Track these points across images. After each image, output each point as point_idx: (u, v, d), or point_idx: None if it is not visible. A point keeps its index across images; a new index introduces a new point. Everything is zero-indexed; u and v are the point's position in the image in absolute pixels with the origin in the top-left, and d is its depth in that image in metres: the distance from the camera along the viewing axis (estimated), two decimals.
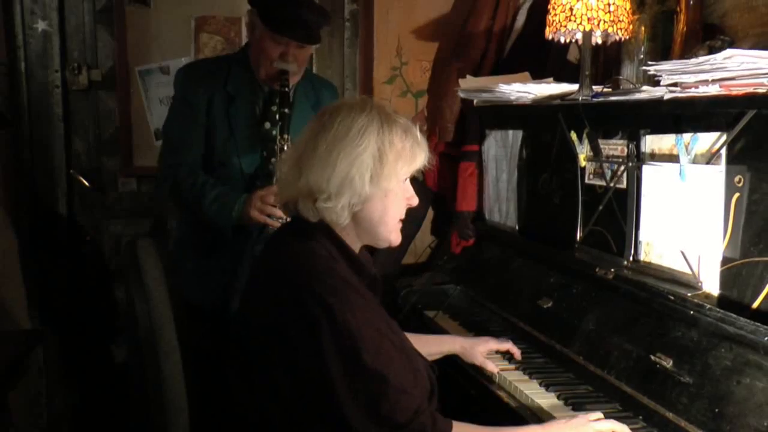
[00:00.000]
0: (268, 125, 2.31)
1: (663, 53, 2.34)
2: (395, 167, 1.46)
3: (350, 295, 1.39)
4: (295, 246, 1.47)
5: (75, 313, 3.12)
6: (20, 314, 2.59)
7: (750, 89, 1.49)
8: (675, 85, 1.71)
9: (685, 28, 2.23)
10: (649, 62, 1.77)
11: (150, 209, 3.19)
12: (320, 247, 1.46)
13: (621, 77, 2.33)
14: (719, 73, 1.53)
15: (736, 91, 1.52)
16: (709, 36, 2.21)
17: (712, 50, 2.05)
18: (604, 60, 2.58)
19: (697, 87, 1.62)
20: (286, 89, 2.26)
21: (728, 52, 1.50)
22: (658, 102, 1.74)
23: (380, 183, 1.45)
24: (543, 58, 2.81)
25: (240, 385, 1.48)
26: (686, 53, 2.18)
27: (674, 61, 1.69)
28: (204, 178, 2.27)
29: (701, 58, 1.56)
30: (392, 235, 1.53)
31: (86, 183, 3.11)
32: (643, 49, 2.35)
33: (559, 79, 2.64)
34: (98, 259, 3.19)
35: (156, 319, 1.49)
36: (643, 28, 2.34)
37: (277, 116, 2.27)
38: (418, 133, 1.52)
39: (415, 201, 1.55)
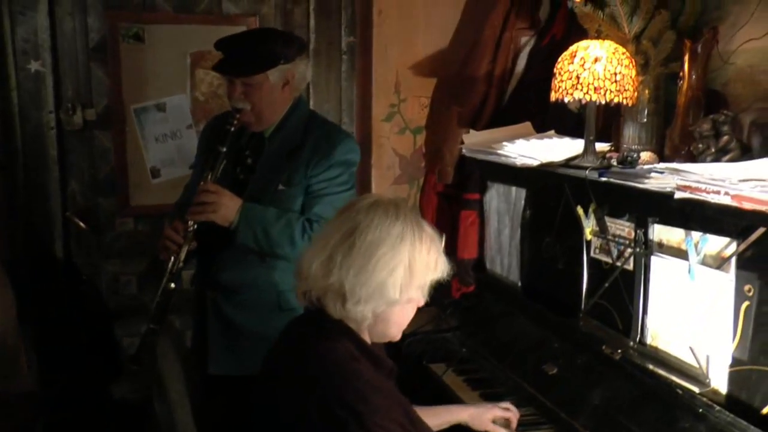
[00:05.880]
0: (238, 170, 2.32)
1: (666, 114, 2.36)
2: (423, 278, 1.51)
3: (376, 399, 1.43)
4: (319, 348, 1.49)
5: (74, 353, 3.11)
6: (20, 371, 2.58)
7: (762, 207, 1.50)
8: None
9: (689, 93, 2.24)
10: (658, 165, 1.78)
11: (148, 248, 3.17)
12: (343, 348, 1.49)
13: (624, 143, 2.35)
14: (734, 191, 1.54)
15: (747, 206, 1.54)
16: (713, 103, 2.23)
17: (715, 124, 2.07)
18: (605, 112, 2.59)
19: (708, 193, 1.64)
20: (231, 128, 2.21)
21: (743, 172, 1.52)
22: (668, 197, 1.76)
23: (408, 292, 1.50)
24: (544, 102, 2.81)
25: None
26: (689, 123, 2.20)
27: (689, 166, 1.71)
28: None
29: (716, 174, 1.58)
30: (398, 335, 1.59)
31: (82, 225, 3.08)
32: (646, 111, 2.36)
33: (560, 130, 2.66)
34: (96, 299, 3.18)
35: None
36: (646, 91, 2.35)
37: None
38: (441, 244, 1.56)
39: (422, 303, 1.58)
